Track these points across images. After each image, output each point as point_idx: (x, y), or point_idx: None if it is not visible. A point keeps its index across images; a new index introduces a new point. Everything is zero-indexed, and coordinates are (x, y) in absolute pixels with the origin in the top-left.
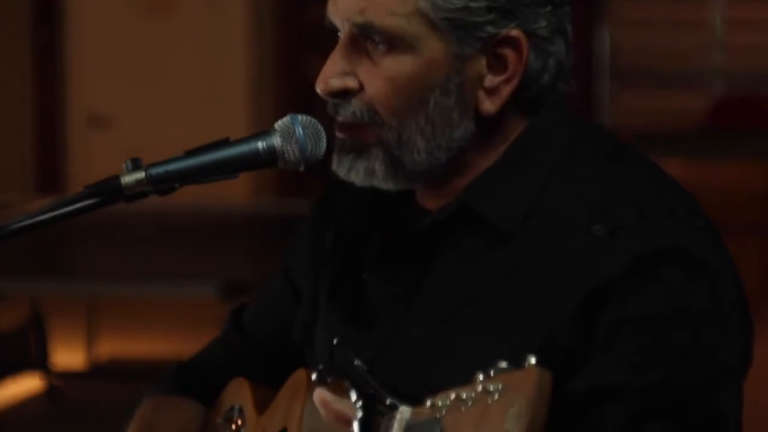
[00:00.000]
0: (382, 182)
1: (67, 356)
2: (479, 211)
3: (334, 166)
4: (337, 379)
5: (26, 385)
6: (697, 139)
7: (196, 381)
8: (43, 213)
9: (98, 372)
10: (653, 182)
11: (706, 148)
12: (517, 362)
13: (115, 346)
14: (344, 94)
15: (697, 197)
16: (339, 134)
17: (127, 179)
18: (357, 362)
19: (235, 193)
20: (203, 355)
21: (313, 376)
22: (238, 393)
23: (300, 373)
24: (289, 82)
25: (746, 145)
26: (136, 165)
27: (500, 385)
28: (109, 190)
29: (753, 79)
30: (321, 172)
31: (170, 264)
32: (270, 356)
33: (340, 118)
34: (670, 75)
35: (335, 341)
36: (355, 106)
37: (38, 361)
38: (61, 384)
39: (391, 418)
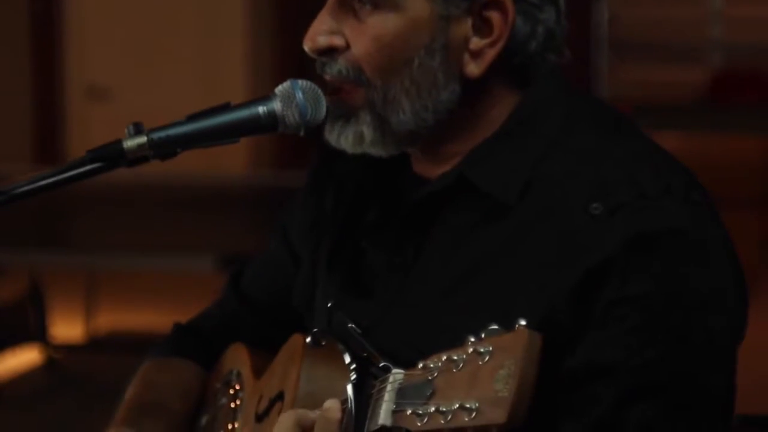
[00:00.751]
0: (371, 147)
1: (66, 329)
2: (477, 182)
3: (326, 135)
4: (331, 341)
5: (25, 357)
6: (695, 111)
7: (196, 343)
8: (46, 178)
9: (97, 344)
10: (651, 157)
11: (704, 120)
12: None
13: (114, 319)
14: (331, 52)
15: (695, 170)
16: (329, 99)
17: (129, 143)
18: (350, 325)
19: (234, 165)
20: (202, 318)
21: (308, 339)
22: (237, 358)
23: (296, 338)
24: (286, 51)
25: (744, 118)
26: (138, 129)
27: (491, 347)
28: (111, 155)
29: (751, 52)
30: (319, 144)
31: (169, 236)
32: (268, 320)
33: (327, 77)
34: (669, 47)
35: (329, 304)
36: (341, 64)
37: (37, 334)
38: (60, 356)
39: (384, 380)
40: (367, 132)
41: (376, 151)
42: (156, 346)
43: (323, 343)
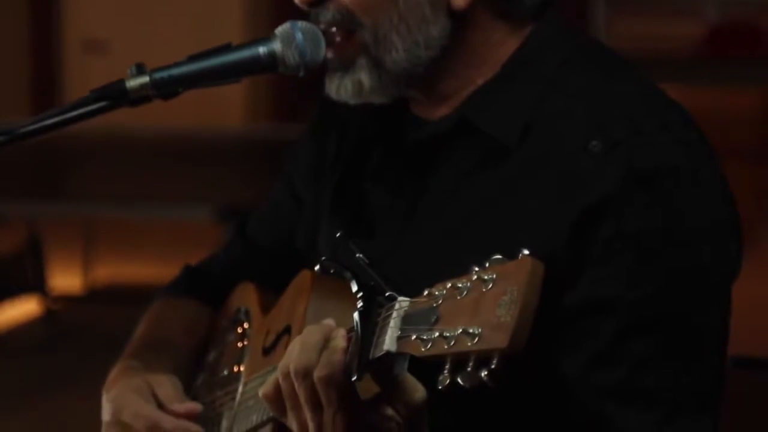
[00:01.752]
0: (371, 94)
1: (65, 280)
2: (477, 124)
3: (326, 89)
4: (340, 270)
5: (24, 308)
6: (691, 65)
7: (204, 285)
8: (50, 117)
9: (95, 295)
10: (648, 97)
11: (701, 73)
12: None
13: (112, 270)
14: (321, 1)
15: None
16: (328, 54)
17: (132, 83)
18: (358, 255)
19: (232, 118)
20: (210, 262)
21: (316, 268)
22: (245, 296)
23: (304, 274)
24: (283, 2)
25: (741, 71)
26: (140, 70)
27: (494, 275)
28: (114, 94)
29: (747, 6)
30: (317, 95)
31: (167, 187)
32: (274, 262)
33: (321, 26)
34: (665, 1)
35: (339, 234)
36: (332, 10)
37: (35, 285)
38: (58, 307)
39: (390, 308)
40: (365, 79)
41: (377, 98)
42: (166, 286)
43: (332, 271)
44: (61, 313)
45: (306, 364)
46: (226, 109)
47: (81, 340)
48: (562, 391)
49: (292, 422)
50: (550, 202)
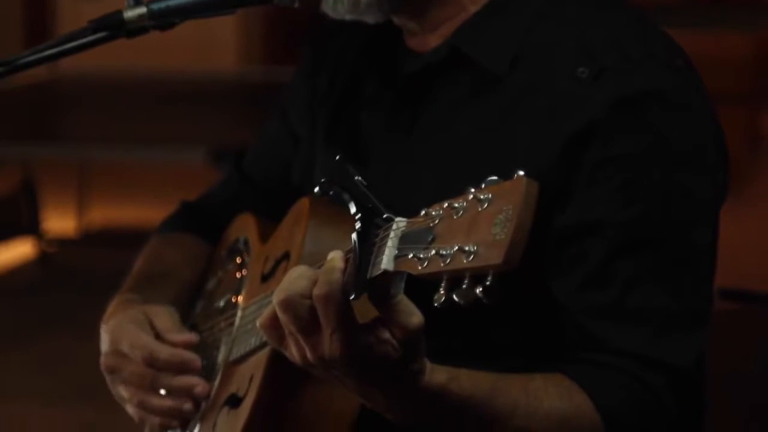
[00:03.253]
0: (367, 10)
1: (59, 222)
2: (468, 53)
3: (323, 5)
4: (338, 192)
5: (18, 251)
6: (685, 8)
7: (202, 219)
8: (48, 48)
9: (89, 238)
10: (636, 26)
11: (695, 17)
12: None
13: (106, 212)
14: None
15: None
16: None
17: (129, 14)
18: (357, 178)
19: (225, 60)
20: (207, 197)
21: (315, 189)
22: (243, 226)
23: (302, 201)
24: None
25: (734, 15)
26: (137, 1)
27: (490, 195)
28: (111, 25)
29: None
30: (311, 36)
31: (161, 129)
32: (270, 197)
33: None
34: None
35: (337, 157)
36: None
37: (30, 227)
38: (52, 250)
39: (388, 228)
40: None
41: (372, 15)
42: (163, 222)
43: (330, 193)
44: (55, 256)
45: (303, 288)
46: (220, 52)
47: (75, 282)
48: (555, 312)
49: (291, 349)
50: (540, 128)
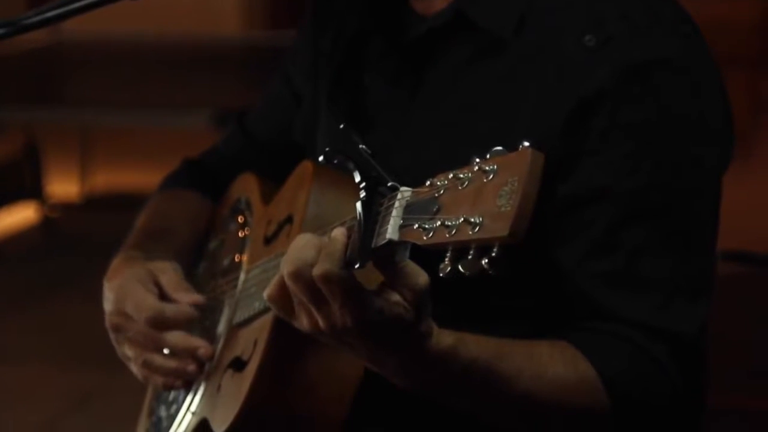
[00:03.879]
0: None
1: (62, 187)
2: (473, 17)
3: None
4: (343, 160)
5: (21, 215)
6: None
7: (204, 176)
8: (52, 9)
9: (92, 202)
10: None
11: None
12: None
13: (109, 177)
14: None
15: None
16: None
17: None
18: (361, 146)
19: (228, 24)
20: (209, 154)
21: (320, 158)
22: (245, 187)
23: (305, 164)
24: None
25: None
26: None
27: (495, 166)
28: None
29: None
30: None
31: (164, 94)
32: (272, 156)
33: None
34: None
35: (342, 125)
36: None
37: (33, 192)
38: (55, 215)
39: (392, 197)
40: None
41: None
42: (165, 179)
43: (335, 161)
44: (58, 220)
45: (311, 257)
46: (223, 17)
47: (77, 247)
48: (560, 280)
49: (301, 319)
50: (546, 95)
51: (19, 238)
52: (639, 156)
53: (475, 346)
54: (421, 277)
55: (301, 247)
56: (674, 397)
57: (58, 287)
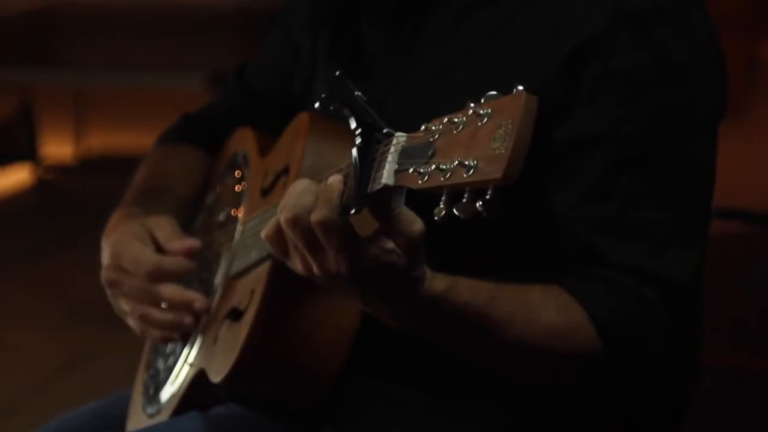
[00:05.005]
0: None
1: (57, 148)
2: None
3: None
4: (338, 107)
5: (15, 177)
6: None
7: (202, 131)
8: None
9: (87, 164)
10: None
11: None
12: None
13: (104, 138)
14: None
15: None
16: None
17: None
18: (357, 93)
19: None
20: (207, 108)
21: (316, 105)
22: (242, 141)
23: (302, 115)
24: None
25: None
26: None
27: (490, 110)
28: None
29: None
30: None
31: (159, 55)
32: (271, 108)
33: None
34: None
35: (338, 72)
36: None
37: (27, 154)
38: (50, 176)
39: (388, 143)
40: None
41: None
42: (162, 134)
43: (330, 108)
44: (52, 182)
45: (309, 203)
46: None
47: (72, 208)
48: (554, 226)
49: (295, 263)
50: (541, 41)
51: (14, 200)
52: (633, 103)
53: (468, 290)
54: (416, 224)
55: (299, 193)
56: (665, 341)
57: (53, 248)
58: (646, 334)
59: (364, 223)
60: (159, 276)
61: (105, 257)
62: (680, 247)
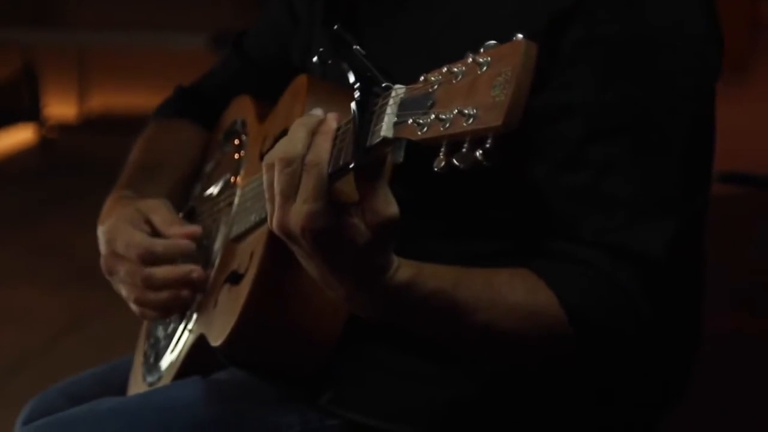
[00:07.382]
0: None
1: (60, 108)
2: None
3: None
4: (337, 61)
5: (19, 137)
6: None
7: (198, 104)
8: None
9: (90, 124)
10: None
11: None
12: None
13: (107, 98)
14: None
15: None
16: None
17: None
18: (355, 47)
19: None
20: (205, 78)
21: (314, 59)
22: (240, 108)
23: (300, 78)
24: None
25: None
26: None
27: (489, 58)
28: None
29: None
30: None
31: (162, 16)
32: (270, 76)
33: None
34: None
35: (335, 26)
36: None
37: (31, 113)
38: (53, 136)
39: (387, 96)
40: None
41: None
42: (158, 108)
43: (329, 62)
44: (56, 142)
45: (293, 151)
46: None
47: (76, 168)
48: (535, 194)
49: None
50: (523, 9)
51: (18, 160)
52: (611, 71)
53: (433, 278)
54: (391, 207)
55: (287, 139)
56: (639, 322)
57: (57, 208)
58: (619, 316)
59: (341, 193)
60: (151, 259)
61: (101, 245)
62: (652, 220)
